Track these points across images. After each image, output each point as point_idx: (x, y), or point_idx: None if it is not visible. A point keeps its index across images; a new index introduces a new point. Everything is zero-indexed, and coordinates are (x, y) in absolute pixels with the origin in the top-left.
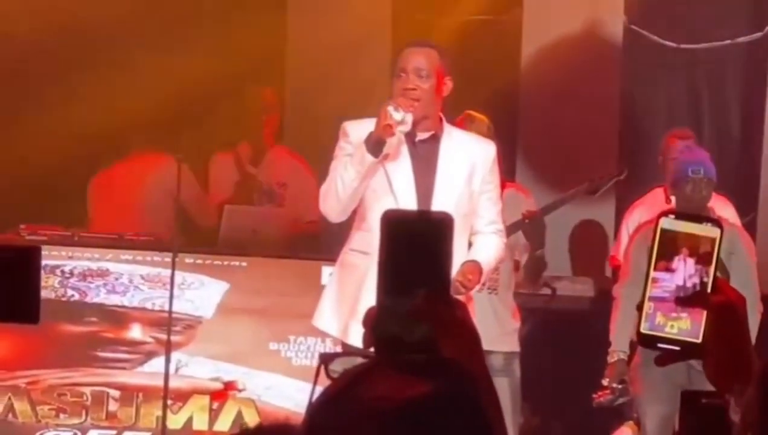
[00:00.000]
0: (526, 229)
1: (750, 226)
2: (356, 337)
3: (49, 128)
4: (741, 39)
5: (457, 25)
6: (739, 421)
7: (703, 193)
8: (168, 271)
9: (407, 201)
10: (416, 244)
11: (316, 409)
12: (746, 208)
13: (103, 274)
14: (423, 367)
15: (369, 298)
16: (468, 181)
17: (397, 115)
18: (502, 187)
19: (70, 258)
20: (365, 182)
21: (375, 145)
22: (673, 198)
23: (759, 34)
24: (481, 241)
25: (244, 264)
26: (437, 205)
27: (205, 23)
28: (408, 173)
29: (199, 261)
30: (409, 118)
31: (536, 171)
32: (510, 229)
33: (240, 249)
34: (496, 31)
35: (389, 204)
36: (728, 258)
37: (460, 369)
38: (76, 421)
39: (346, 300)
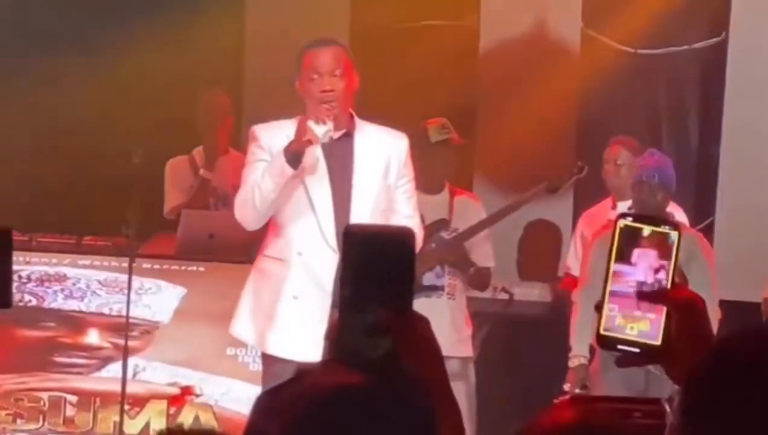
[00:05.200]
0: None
1: (707, 231)
2: (273, 346)
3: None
4: (698, 44)
5: (414, 30)
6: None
7: (658, 198)
8: (125, 276)
9: (323, 202)
10: (377, 259)
11: (264, 393)
12: (704, 212)
13: (60, 279)
14: (378, 371)
15: (285, 306)
16: (384, 176)
17: (319, 130)
18: (454, 194)
19: (28, 263)
20: (284, 192)
21: (294, 157)
22: (626, 203)
23: (716, 40)
24: None
25: (201, 269)
26: (356, 203)
27: (161, 23)
28: (323, 174)
29: (157, 266)
30: (330, 126)
31: (494, 174)
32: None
33: (197, 254)
34: (453, 36)
35: (305, 207)
36: (687, 264)
37: (415, 376)
38: (33, 426)
39: (262, 308)
